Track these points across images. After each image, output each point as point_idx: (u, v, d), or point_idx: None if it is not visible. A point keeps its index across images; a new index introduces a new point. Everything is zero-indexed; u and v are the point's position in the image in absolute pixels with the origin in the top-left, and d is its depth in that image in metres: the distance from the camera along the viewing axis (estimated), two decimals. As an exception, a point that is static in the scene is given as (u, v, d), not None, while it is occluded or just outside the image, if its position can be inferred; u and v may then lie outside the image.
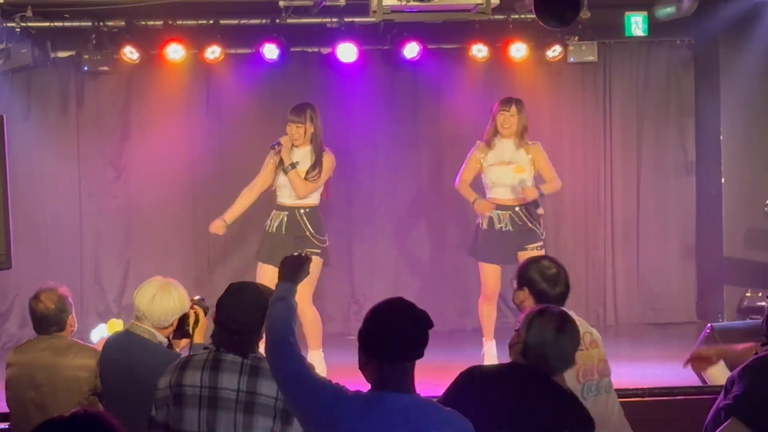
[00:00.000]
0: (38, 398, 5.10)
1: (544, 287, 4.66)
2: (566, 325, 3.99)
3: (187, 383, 4.11)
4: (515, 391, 3.78)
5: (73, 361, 5.08)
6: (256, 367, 4.09)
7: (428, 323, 3.47)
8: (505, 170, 7.93)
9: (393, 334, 3.44)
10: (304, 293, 7.63)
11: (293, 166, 7.68)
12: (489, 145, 8.01)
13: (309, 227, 7.75)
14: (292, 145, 7.72)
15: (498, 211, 7.89)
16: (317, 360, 7.61)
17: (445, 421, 3.41)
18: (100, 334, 5.71)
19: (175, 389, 4.13)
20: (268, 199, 8.03)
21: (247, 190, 7.95)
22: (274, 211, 7.84)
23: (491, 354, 7.90)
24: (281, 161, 7.73)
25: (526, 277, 4.70)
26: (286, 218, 7.76)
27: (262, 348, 3.93)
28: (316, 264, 7.62)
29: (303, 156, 7.73)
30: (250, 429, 4.05)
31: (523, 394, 3.79)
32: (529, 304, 4.63)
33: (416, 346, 3.44)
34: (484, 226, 7.94)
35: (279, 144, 7.75)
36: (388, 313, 3.49)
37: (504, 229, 7.89)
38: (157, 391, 4.19)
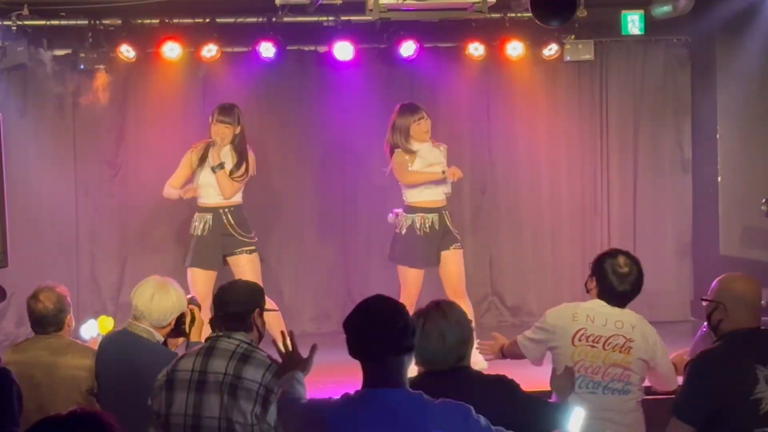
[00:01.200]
0: (36, 397, 5.09)
1: (611, 282, 4.88)
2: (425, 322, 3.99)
3: (180, 369, 4.25)
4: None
5: (72, 361, 5.08)
6: (246, 355, 4.23)
7: (400, 318, 3.43)
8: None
9: (367, 334, 3.42)
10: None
11: (221, 166, 7.74)
12: (407, 151, 7.90)
13: (235, 226, 7.78)
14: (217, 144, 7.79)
15: (428, 214, 7.89)
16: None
17: (434, 413, 3.39)
18: (90, 330, 5.69)
19: (169, 375, 4.26)
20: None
21: (169, 188, 7.99)
22: (197, 213, 7.89)
23: None
24: (201, 160, 7.81)
25: (598, 268, 4.92)
26: (210, 219, 7.80)
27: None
28: (254, 260, 7.72)
29: (224, 155, 7.81)
30: (232, 411, 4.15)
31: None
32: (594, 294, 4.93)
33: (394, 342, 3.40)
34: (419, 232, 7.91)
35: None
36: (362, 313, 3.47)
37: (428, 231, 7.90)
38: (156, 381, 4.30)
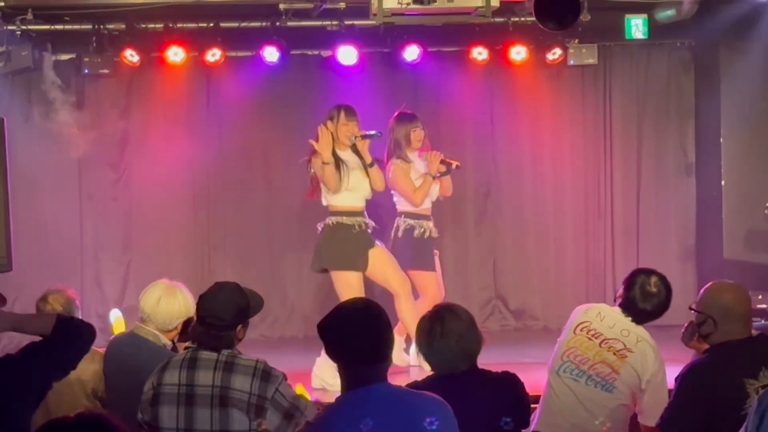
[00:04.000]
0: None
1: (635, 296, 4.90)
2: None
3: (166, 382, 4.20)
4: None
5: (79, 364, 5.08)
6: (231, 363, 4.17)
7: (378, 326, 3.48)
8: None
9: (349, 342, 3.47)
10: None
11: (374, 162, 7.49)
12: (406, 160, 7.85)
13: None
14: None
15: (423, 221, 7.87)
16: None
17: (423, 402, 3.45)
18: (115, 315, 5.73)
19: (156, 389, 4.21)
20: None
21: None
22: (349, 217, 7.45)
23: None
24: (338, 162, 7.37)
25: (630, 280, 4.95)
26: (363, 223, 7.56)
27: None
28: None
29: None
30: (226, 423, 4.11)
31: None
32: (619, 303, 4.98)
33: (376, 350, 3.46)
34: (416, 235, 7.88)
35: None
36: (340, 320, 3.56)
37: (426, 236, 7.88)
38: (143, 394, 4.27)
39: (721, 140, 9.75)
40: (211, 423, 4.12)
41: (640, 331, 4.93)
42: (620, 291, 4.99)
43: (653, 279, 4.95)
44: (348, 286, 7.27)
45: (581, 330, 4.88)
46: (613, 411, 4.82)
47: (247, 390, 4.11)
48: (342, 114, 7.42)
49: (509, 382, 4.14)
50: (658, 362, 4.91)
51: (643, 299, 4.91)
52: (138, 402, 4.33)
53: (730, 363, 4.34)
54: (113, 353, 5.03)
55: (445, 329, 4.02)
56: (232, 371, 4.15)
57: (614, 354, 4.83)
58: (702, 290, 4.60)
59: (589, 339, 4.85)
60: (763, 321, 8.06)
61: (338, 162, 7.32)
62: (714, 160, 9.85)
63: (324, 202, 7.44)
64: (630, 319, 4.92)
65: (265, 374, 4.15)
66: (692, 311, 4.56)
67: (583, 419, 4.76)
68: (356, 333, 3.46)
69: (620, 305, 4.96)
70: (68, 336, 3.73)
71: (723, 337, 4.42)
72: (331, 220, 7.42)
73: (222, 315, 4.21)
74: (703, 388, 4.31)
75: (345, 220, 7.40)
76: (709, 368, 4.37)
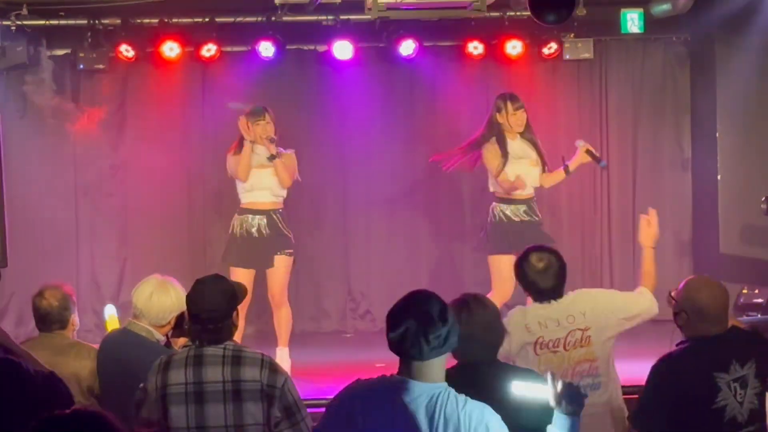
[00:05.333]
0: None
1: (534, 281, 4.81)
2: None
3: (172, 382, 4.18)
4: None
5: (74, 361, 5.07)
6: (238, 357, 4.17)
7: (435, 319, 3.38)
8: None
9: (405, 337, 3.34)
10: (284, 291, 7.69)
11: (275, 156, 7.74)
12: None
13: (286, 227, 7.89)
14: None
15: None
16: (286, 358, 7.61)
17: (469, 414, 3.33)
18: (110, 310, 5.73)
19: (160, 391, 4.19)
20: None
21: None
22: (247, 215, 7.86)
23: None
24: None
25: (518, 274, 4.87)
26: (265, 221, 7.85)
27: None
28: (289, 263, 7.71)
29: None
30: (241, 417, 4.12)
31: None
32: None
33: (429, 344, 3.33)
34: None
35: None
36: (399, 313, 3.41)
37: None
38: (142, 392, 4.25)
39: (717, 135, 9.76)
40: (225, 418, 4.12)
41: (575, 305, 4.82)
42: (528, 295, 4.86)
43: (533, 258, 4.79)
44: None
45: (541, 348, 4.74)
46: (603, 404, 4.80)
47: (258, 379, 4.12)
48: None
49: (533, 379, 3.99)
50: (603, 294, 4.95)
51: (543, 279, 4.78)
52: (132, 398, 4.32)
53: (701, 357, 4.35)
54: (107, 350, 5.02)
55: (471, 317, 3.97)
56: (240, 364, 4.15)
57: (580, 347, 4.77)
58: (683, 282, 4.57)
59: (554, 352, 4.74)
60: (759, 315, 8.07)
61: None
62: (710, 154, 9.85)
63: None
64: (550, 302, 4.79)
65: (273, 366, 4.18)
66: (671, 299, 4.53)
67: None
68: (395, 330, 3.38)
69: (533, 300, 4.82)
70: (45, 399, 3.64)
71: (692, 333, 4.42)
72: None
73: (215, 307, 4.21)
74: (672, 381, 4.32)
75: None
76: (679, 361, 4.37)
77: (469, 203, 10.16)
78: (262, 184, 7.78)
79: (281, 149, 7.84)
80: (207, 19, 9.32)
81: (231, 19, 9.35)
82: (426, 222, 10.18)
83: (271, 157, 7.69)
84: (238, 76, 9.76)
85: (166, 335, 4.96)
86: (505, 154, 7.95)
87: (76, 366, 5.06)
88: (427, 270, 10.05)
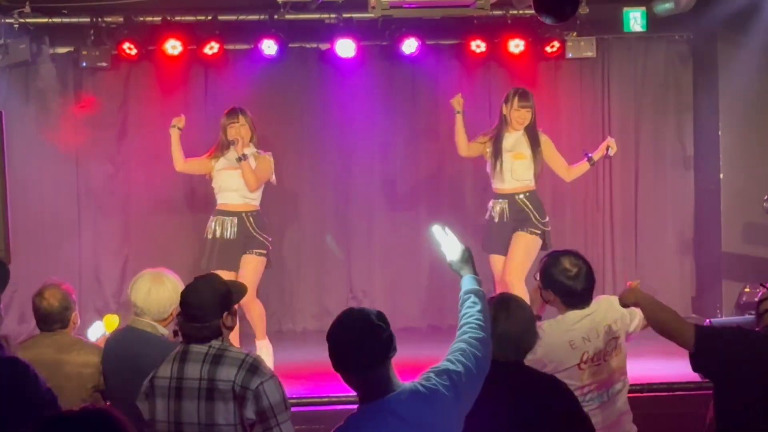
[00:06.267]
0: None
1: (569, 285, 4.80)
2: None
3: (159, 375, 4.22)
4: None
5: (77, 358, 5.08)
6: (219, 356, 4.17)
7: (377, 330, 3.46)
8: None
9: (350, 349, 3.45)
10: (252, 291, 7.66)
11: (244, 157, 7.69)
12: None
13: (258, 230, 7.82)
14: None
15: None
16: (265, 349, 7.60)
17: (426, 400, 3.44)
18: (96, 333, 5.68)
19: (151, 382, 4.24)
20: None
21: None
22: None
23: None
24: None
25: (547, 279, 4.85)
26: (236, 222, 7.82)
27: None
28: (260, 262, 7.65)
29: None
30: (212, 416, 4.11)
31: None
32: (559, 304, 4.87)
33: (376, 354, 3.43)
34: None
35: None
36: (339, 330, 3.52)
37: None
38: (142, 386, 4.29)
39: (720, 133, 9.75)
40: (198, 416, 4.12)
41: (606, 313, 4.82)
42: (547, 294, 4.84)
43: (565, 262, 4.81)
44: None
45: (585, 363, 4.72)
46: (624, 403, 4.84)
47: (231, 379, 4.09)
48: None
49: (555, 384, 4.02)
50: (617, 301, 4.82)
51: (576, 282, 4.77)
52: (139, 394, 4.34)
53: None
54: (113, 349, 5.03)
55: (510, 316, 3.97)
56: (219, 363, 4.14)
57: (615, 355, 4.80)
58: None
59: (597, 365, 4.74)
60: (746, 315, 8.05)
61: None
62: (712, 152, 9.85)
63: None
64: (583, 308, 4.79)
65: (253, 367, 4.12)
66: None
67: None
68: (337, 345, 3.52)
69: (564, 304, 4.80)
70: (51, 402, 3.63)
71: None
72: None
73: (203, 304, 4.20)
74: (749, 348, 4.36)
75: None
76: (761, 341, 4.41)
77: (471, 201, 10.16)
78: (230, 185, 7.75)
79: (260, 151, 7.76)
80: (209, 17, 9.33)
81: (233, 17, 9.36)
82: (428, 219, 10.16)
83: (239, 159, 7.65)
84: (240, 75, 9.77)
85: (174, 329, 4.97)
86: (498, 148, 7.96)
87: (79, 363, 5.07)
88: (428, 267, 10.04)
